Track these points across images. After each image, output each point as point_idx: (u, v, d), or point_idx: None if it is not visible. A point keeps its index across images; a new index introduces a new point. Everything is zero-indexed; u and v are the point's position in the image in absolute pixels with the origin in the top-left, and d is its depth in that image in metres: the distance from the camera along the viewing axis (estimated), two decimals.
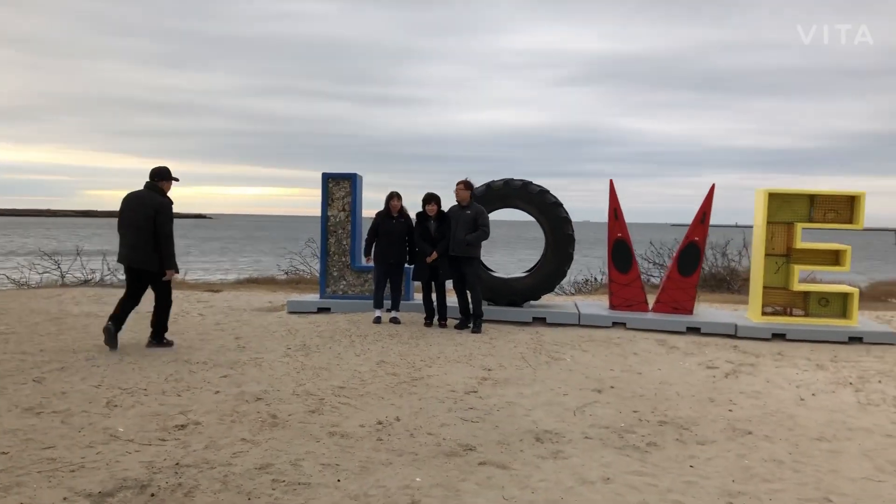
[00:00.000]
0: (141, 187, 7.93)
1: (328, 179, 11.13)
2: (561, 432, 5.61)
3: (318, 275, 17.00)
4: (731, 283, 16.79)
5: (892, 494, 4.51)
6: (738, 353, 8.73)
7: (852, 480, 4.72)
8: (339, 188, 11.12)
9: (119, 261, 7.99)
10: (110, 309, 10.76)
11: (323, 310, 10.81)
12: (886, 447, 5.41)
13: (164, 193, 7.88)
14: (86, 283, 14.95)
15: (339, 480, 4.48)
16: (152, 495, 4.15)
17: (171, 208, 7.84)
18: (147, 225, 7.66)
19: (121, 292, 12.74)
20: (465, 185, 9.66)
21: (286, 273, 17.13)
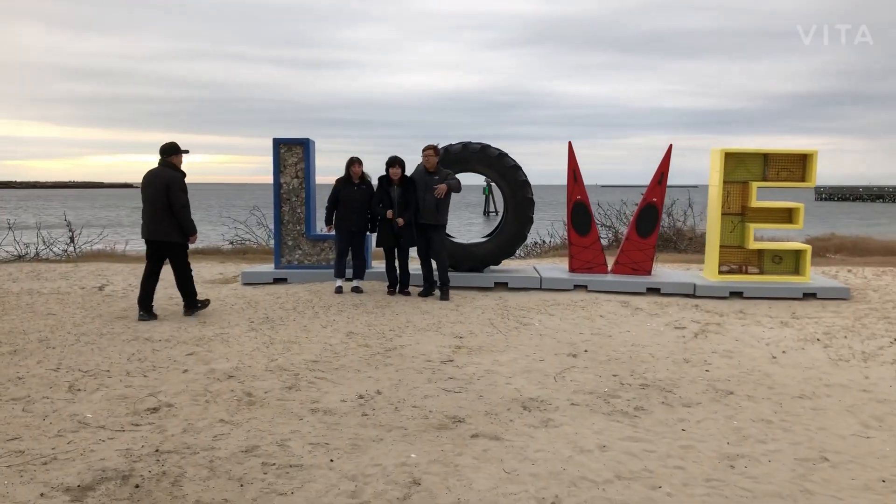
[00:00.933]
0: (155, 165, 8.28)
1: (279, 145, 10.74)
2: (546, 399, 5.53)
3: (266, 245, 16.63)
4: (677, 243, 17.02)
5: (882, 450, 4.57)
6: (701, 312, 8.81)
7: (842, 437, 4.77)
8: (292, 154, 10.74)
9: (142, 236, 8.35)
10: (53, 284, 10.31)
11: (279, 280, 10.50)
12: (866, 402, 5.50)
13: (176, 168, 8.27)
14: (20, 258, 14.20)
15: (331, 461, 4.30)
16: (137, 486, 3.90)
17: (181, 181, 8.20)
18: (161, 199, 8.04)
19: (61, 267, 12.28)
20: (435, 150, 9.42)
21: (231, 243, 16.63)
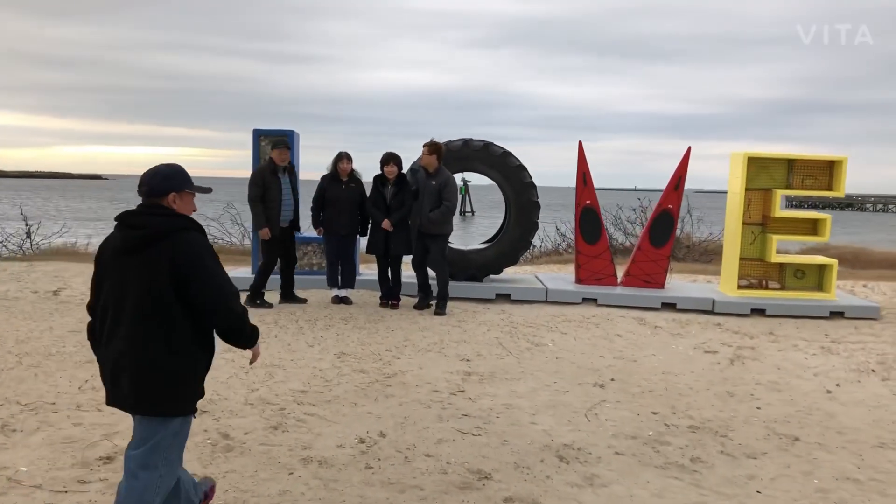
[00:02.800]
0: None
1: (260, 137, 9.71)
2: (583, 447, 4.63)
3: (241, 245, 15.55)
4: (674, 251, 16.23)
5: None
6: (728, 333, 7.96)
7: None
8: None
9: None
10: (1, 287, 9.19)
11: None
12: None
13: (273, 163, 8.25)
14: None
15: None
16: None
17: (255, 175, 8.26)
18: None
19: (13, 266, 11.11)
20: (431, 147, 8.37)
21: None
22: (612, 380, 6.15)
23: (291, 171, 8.48)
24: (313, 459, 4.26)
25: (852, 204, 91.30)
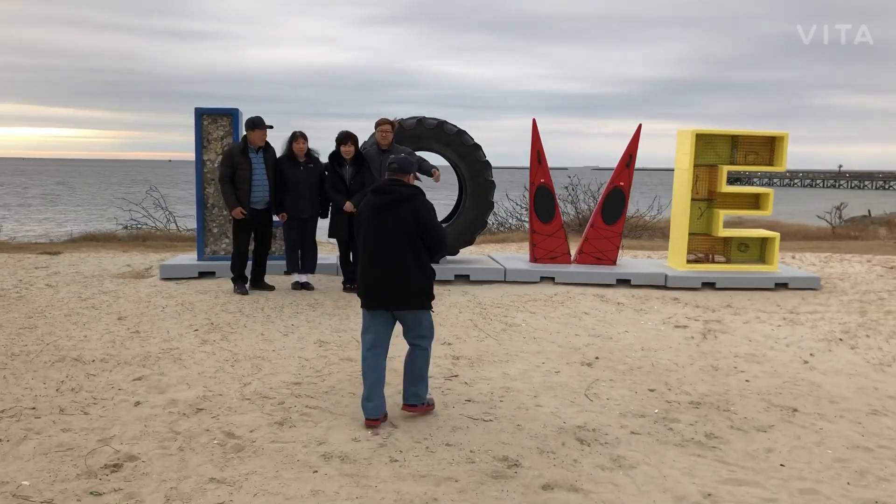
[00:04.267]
0: None
1: (203, 116, 9.22)
2: (598, 427, 4.61)
3: (166, 229, 14.88)
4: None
5: None
6: (688, 307, 8.13)
7: None
8: (217, 127, 9.25)
9: None
10: None
11: (206, 274, 9.05)
12: None
13: (246, 142, 7.99)
14: None
15: None
16: None
17: (225, 154, 8.11)
18: None
19: None
20: (392, 125, 8.18)
21: (126, 227, 14.76)
22: (597, 358, 6.16)
23: (268, 150, 8.09)
24: (333, 455, 4.07)
25: (740, 178, 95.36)
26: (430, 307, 4.66)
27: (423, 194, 4.61)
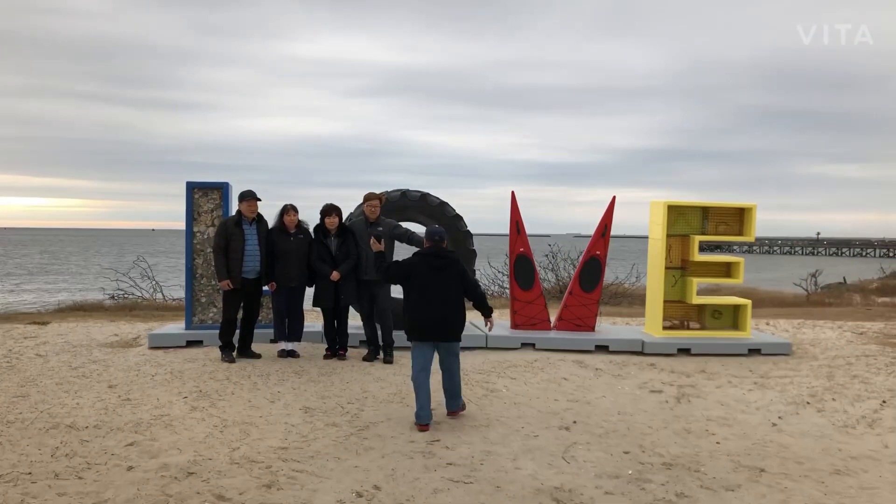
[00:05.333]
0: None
1: (194, 189, 9.55)
2: (573, 488, 4.81)
3: (153, 299, 15.05)
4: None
5: None
6: (664, 373, 8.39)
7: None
8: (208, 200, 9.57)
9: None
10: None
11: (193, 343, 9.23)
12: None
13: (240, 215, 8.36)
14: None
15: None
16: None
17: (219, 226, 8.46)
18: None
19: None
20: (380, 199, 8.56)
21: (113, 297, 14.91)
22: (575, 422, 6.38)
23: (261, 222, 8.41)
24: None
25: (720, 246, 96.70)
26: (460, 338, 6.40)
27: (459, 258, 6.51)
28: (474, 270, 9.94)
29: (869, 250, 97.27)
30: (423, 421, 6.01)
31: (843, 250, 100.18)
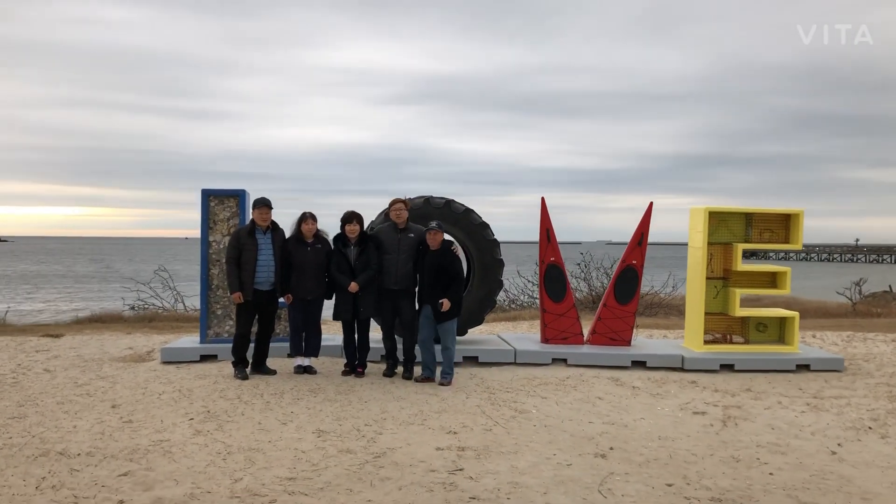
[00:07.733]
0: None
1: (209, 197, 9.17)
2: None
3: (173, 309, 14.74)
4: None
5: None
6: (707, 391, 7.80)
7: None
8: (224, 208, 9.18)
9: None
10: None
11: (207, 357, 8.82)
12: None
13: (254, 224, 7.94)
14: None
15: None
16: None
17: (232, 236, 8.01)
18: None
19: None
20: (406, 203, 8.09)
21: (133, 308, 14.62)
22: (611, 448, 5.83)
23: (276, 230, 7.97)
24: None
25: (756, 253, 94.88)
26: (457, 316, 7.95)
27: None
28: (501, 281, 9.42)
29: None
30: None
31: (884, 257, 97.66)
